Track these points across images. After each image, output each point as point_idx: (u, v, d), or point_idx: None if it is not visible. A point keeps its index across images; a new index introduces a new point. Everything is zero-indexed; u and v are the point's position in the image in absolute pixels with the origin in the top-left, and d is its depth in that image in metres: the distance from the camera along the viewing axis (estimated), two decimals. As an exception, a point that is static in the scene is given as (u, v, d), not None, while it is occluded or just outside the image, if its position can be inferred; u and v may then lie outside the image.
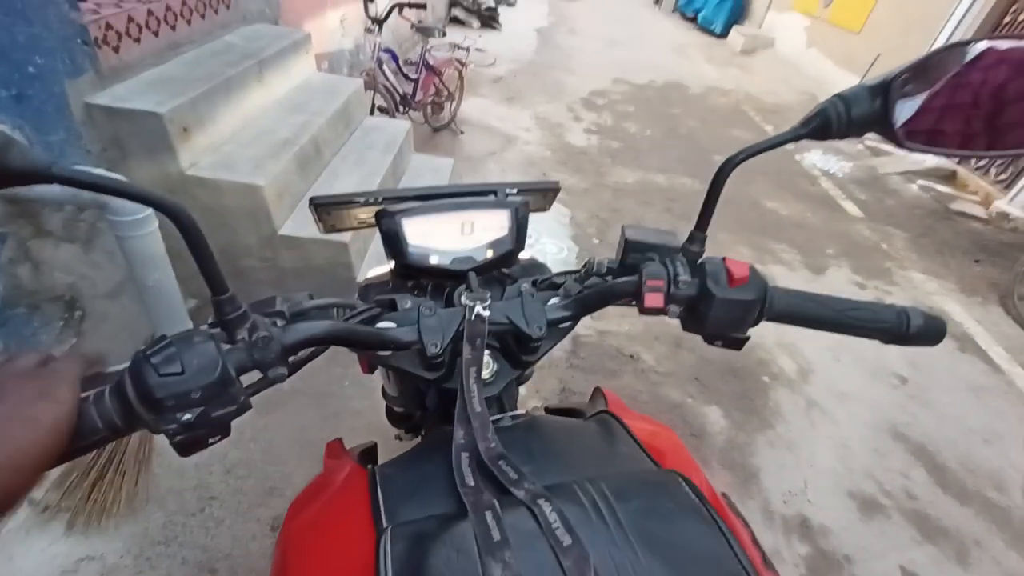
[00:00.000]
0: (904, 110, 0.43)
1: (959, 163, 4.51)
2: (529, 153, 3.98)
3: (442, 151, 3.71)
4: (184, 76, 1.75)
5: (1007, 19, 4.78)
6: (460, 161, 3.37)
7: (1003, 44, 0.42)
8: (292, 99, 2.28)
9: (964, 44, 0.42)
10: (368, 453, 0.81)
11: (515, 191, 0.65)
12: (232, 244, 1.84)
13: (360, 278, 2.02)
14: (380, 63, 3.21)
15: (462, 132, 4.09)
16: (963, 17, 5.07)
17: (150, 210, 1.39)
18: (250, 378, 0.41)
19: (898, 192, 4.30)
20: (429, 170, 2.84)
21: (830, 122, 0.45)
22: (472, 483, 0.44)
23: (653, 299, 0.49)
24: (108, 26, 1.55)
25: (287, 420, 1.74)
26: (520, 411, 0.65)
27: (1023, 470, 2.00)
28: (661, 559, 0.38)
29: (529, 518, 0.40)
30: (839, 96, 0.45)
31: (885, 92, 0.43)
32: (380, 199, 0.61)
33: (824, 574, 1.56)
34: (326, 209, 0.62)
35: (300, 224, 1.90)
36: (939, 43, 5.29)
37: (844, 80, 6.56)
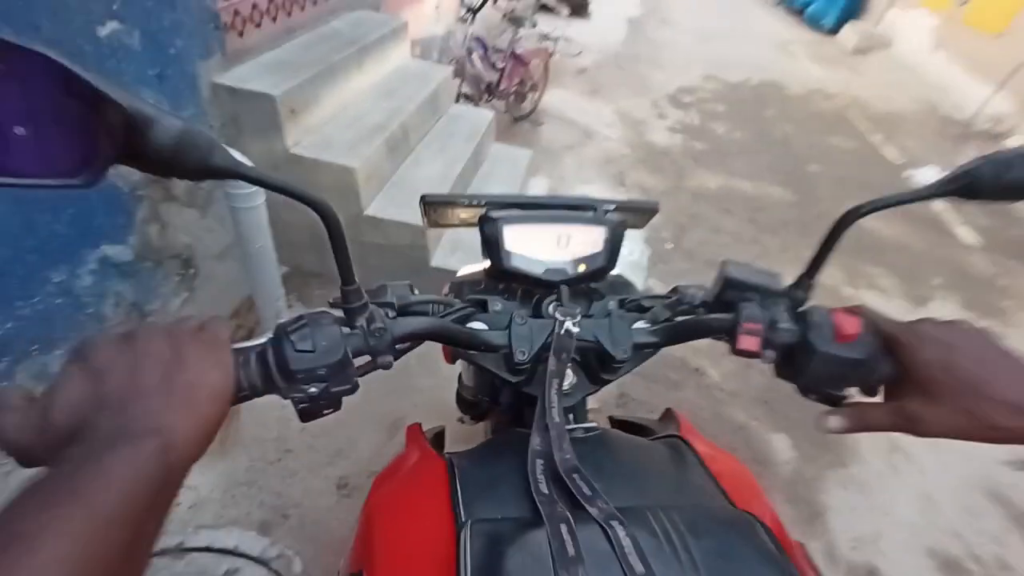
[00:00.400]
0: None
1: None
2: (608, 149, 3.90)
3: (520, 141, 3.73)
4: (295, 60, 1.88)
5: None
6: (538, 153, 3.37)
7: None
8: (386, 84, 2.38)
9: None
10: (439, 437, 0.86)
11: (613, 207, 0.65)
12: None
13: (434, 261, 2.10)
14: (470, 51, 3.26)
15: (542, 123, 4.08)
16: None
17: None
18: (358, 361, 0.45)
19: (1027, 220, 3.79)
20: (507, 160, 2.87)
21: (980, 182, 0.41)
22: (547, 492, 0.46)
23: (748, 342, 0.47)
24: (236, 12, 1.69)
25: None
26: (592, 423, 0.65)
27: None
28: None
29: (602, 538, 0.41)
30: (991, 158, 0.41)
31: None
32: (484, 202, 0.64)
33: (890, 632, 1.45)
34: (433, 207, 0.65)
35: (384, 206, 2.00)
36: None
37: (973, 90, 5.81)
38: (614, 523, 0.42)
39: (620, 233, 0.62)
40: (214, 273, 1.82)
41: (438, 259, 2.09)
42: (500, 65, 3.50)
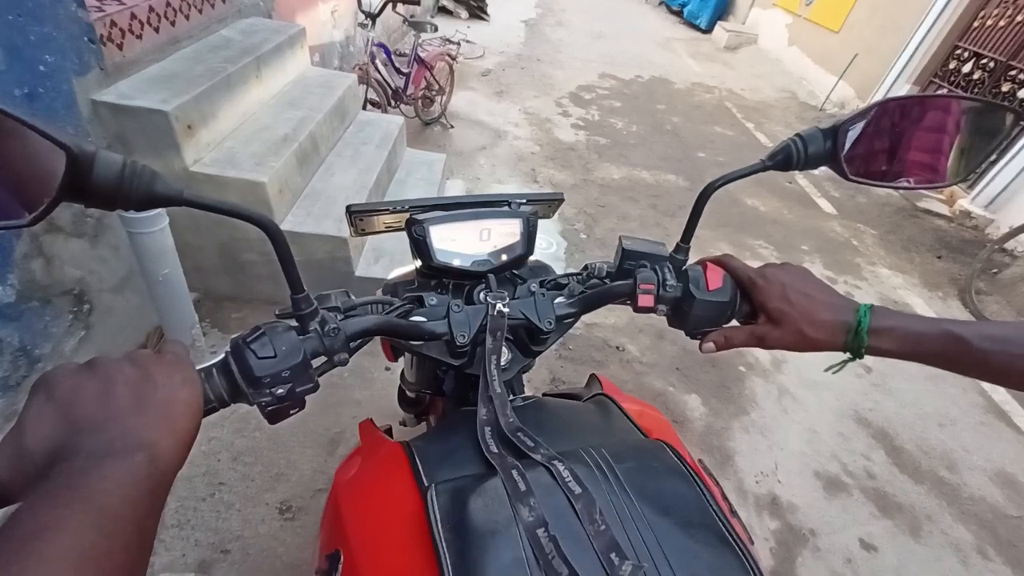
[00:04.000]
0: (850, 151, 0.53)
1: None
2: (519, 148, 4.05)
3: (433, 145, 3.76)
4: (185, 72, 1.78)
5: (976, 24, 4.99)
6: (451, 156, 3.43)
7: (926, 99, 0.53)
8: (289, 94, 2.31)
9: (897, 99, 0.53)
10: (388, 433, 0.91)
11: (524, 201, 0.74)
12: (233, 239, 1.89)
13: (358, 271, 2.09)
14: (373, 57, 3.23)
15: (452, 126, 4.14)
16: (935, 21, 5.27)
17: (132, 211, 1.44)
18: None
19: (870, 190, 4.50)
20: (422, 165, 2.90)
21: (791, 157, 0.55)
22: (496, 451, 0.54)
23: (645, 300, 0.59)
24: (112, 23, 1.57)
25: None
26: (528, 394, 0.75)
27: (973, 451, 2.18)
28: (651, 506, 0.49)
29: (546, 475, 0.50)
30: (799, 136, 0.55)
31: (835, 135, 0.53)
32: (408, 207, 0.70)
33: (791, 547, 1.71)
34: (359, 216, 0.70)
35: (300, 219, 1.95)
36: (913, 44, 5.49)
37: (823, 79, 6.75)
38: (555, 462, 0.51)
39: (534, 223, 0.71)
40: (113, 307, 1.68)
41: (362, 269, 2.08)
42: (405, 70, 3.50)
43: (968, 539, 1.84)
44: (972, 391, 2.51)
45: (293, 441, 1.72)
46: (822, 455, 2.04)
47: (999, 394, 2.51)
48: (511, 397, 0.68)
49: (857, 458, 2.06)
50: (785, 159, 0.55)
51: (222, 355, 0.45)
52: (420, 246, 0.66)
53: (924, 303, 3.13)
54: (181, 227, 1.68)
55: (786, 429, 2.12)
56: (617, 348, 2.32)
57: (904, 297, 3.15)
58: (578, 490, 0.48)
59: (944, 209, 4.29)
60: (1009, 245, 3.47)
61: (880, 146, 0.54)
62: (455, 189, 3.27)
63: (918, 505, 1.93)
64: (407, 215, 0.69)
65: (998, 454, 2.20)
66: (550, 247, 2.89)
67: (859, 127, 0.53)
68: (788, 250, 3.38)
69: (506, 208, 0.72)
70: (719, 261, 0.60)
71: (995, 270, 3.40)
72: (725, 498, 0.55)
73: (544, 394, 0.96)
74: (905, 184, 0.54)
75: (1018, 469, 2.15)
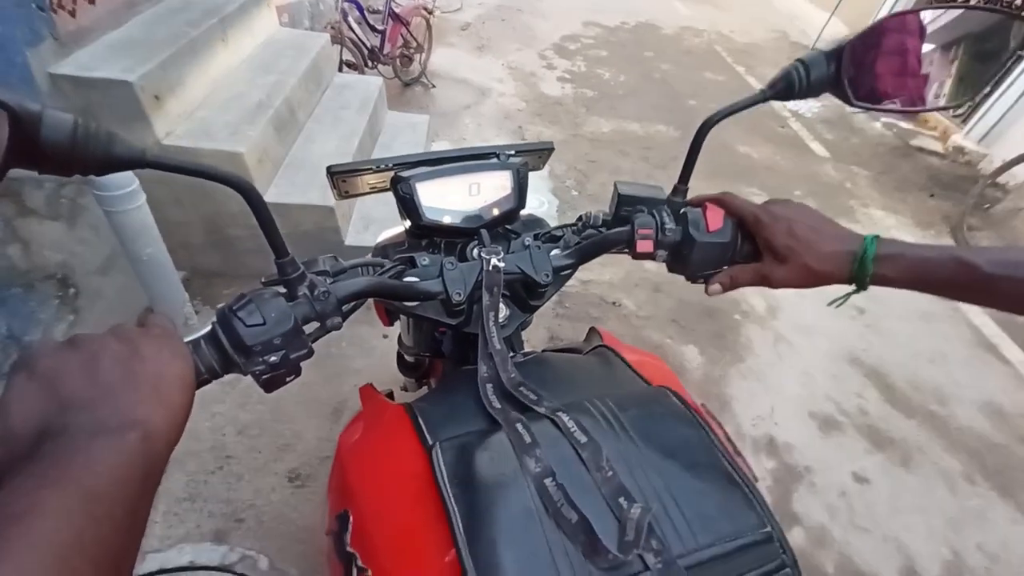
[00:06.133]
0: (854, 73, 0.50)
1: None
2: (504, 105, 3.92)
3: (415, 107, 3.63)
4: (146, 39, 1.68)
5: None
6: (435, 117, 3.31)
7: (929, 13, 0.49)
8: (259, 58, 2.20)
9: (902, 13, 0.49)
10: (389, 397, 0.91)
11: (513, 152, 0.71)
12: (217, 214, 1.84)
13: (348, 240, 2.05)
14: (345, 15, 3.06)
15: (434, 86, 3.98)
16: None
17: (136, 183, 1.39)
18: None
19: (863, 130, 4.43)
20: (405, 127, 2.80)
21: (793, 84, 0.52)
22: (499, 406, 0.53)
23: (644, 245, 0.58)
24: (60, -13, 1.46)
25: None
26: (528, 350, 0.74)
27: (963, 385, 2.24)
28: (657, 450, 0.49)
29: (551, 426, 0.50)
30: (800, 60, 0.52)
31: (838, 58, 0.50)
32: (391, 165, 0.66)
33: (788, 484, 1.78)
34: (341, 177, 0.67)
35: (285, 190, 1.90)
36: (908, -24, 5.28)
37: (815, 16, 6.51)
38: (559, 413, 0.51)
39: (525, 174, 0.68)
40: (100, 289, 1.64)
41: (352, 238, 2.04)
42: (380, 27, 3.33)
43: (957, 468, 1.91)
44: (962, 325, 2.55)
45: (297, 412, 1.73)
46: (817, 396, 2.09)
47: (989, 328, 2.55)
48: (511, 354, 0.67)
49: (851, 397, 2.11)
50: (787, 87, 0.52)
51: (209, 326, 0.43)
52: (408, 204, 0.64)
53: (917, 241, 3.13)
54: (162, 202, 1.63)
55: (781, 374, 2.16)
56: (614, 303, 2.32)
57: (897, 236, 3.14)
58: (584, 439, 0.48)
59: (937, 146, 4.24)
60: (1002, 179, 3.46)
61: (885, 68, 0.51)
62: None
63: (910, 438, 1.99)
64: (392, 173, 0.66)
65: (987, 386, 2.26)
66: (541, 206, 2.85)
67: (863, 48, 0.50)
68: (781, 195, 3.31)
69: (495, 160, 0.69)
70: (719, 200, 0.58)
71: (987, 205, 3.40)
72: (729, 440, 0.55)
73: (544, 350, 0.96)
74: (911, 107, 0.52)
75: (1005, 399, 2.21)
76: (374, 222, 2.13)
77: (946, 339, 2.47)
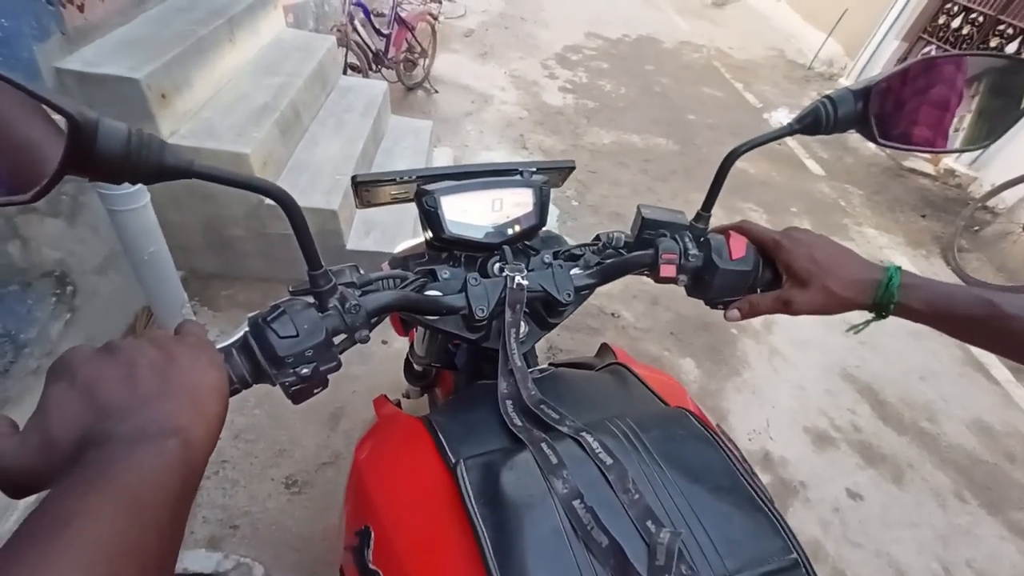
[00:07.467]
0: (880, 112, 0.52)
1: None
2: (506, 113, 3.94)
3: (417, 111, 3.64)
4: (153, 37, 1.66)
5: (966, -23, 4.91)
6: (437, 123, 3.32)
7: (964, 57, 0.51)
8: (265, 59, 2.19)
9: (933, 59, 0.51)
10: (398, 406, 0.91)
11: (535, 169, 0.72)
12: (218, 215, 1.82)
13: (349, 244, 2.04)
14: (351, 17, 3.07)
15: (436, 91, 3.99)
16: (926, -26, 5.17)
17: (140, 184, 1.37)
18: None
19: (857, 150, 4.51)
20: (408, 132, 2.80)
21: (820, 120, 0.53)
22: (520, 424, 0.54)
23: (668, 270, 0.59)
24: (69, -17, 1.45)
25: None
26: (543, 366, 0.74)
27: (952, 402, 2.28)
28: (681, 473, 0.49)
29: (576, 447, 0.50)
30: (828, 97, 0.53)
31: (866, 96, 0.51)
32: (415, 177, 0.67)
33: (783, 498, 1.79)
34: (365, 187, 0.67)
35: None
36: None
37: (811, 36, 6.63)
38: (583, 434, 0.51)
39: (547, 192, 0.69)
40: (98, 288, 1.62)
41: (353, 242, 2.03)
42: (385, 31, 3.34)
43: (947, 484, 1.95)
44: (952, 345, 2.60)
45: (294, 418, 1.71)
46: (811, 411, 2.12)
47: (977, 348, 2.60)
48: (529, 370, 0.68)
49: (844, 413, 2.14)
50: (814, 122, 0.53)
51: (240, 334, 0.43)
52: (431, 217, 0.64)
53: (908, 261, 3.19)
54: (161, 204, 1.61)
55: (777, 388, 2.18)
56: (612, 315, 2.34)
57: (889, 256, 3.21)
58: (609, 460, 0.48)
59: (929, 168, 4.33)
60: (991, 203, 3.54)
61: (912, 108, 0.52)
62: (443, 157, 3.19)
63: (901, 455, 2.02)
64: (415, 185, 0.66)
65: (975, 404, 2.30)
66: (542, 215, 2.85)
67: (892, 88, 0.51)
68: (778, 212, 3.40)
69: (517, 177, 0.69)
70: (739, 228, 0.59)
71: (977, 228, 3.47)
72: (746, 461, 0.56)
73: (552, 363, 0.97)
74: (935, 149, 0.53)
75: (993, 417, 2.25)
76: (375, 228, 2.12)
77: (936, 357, 2.51)
